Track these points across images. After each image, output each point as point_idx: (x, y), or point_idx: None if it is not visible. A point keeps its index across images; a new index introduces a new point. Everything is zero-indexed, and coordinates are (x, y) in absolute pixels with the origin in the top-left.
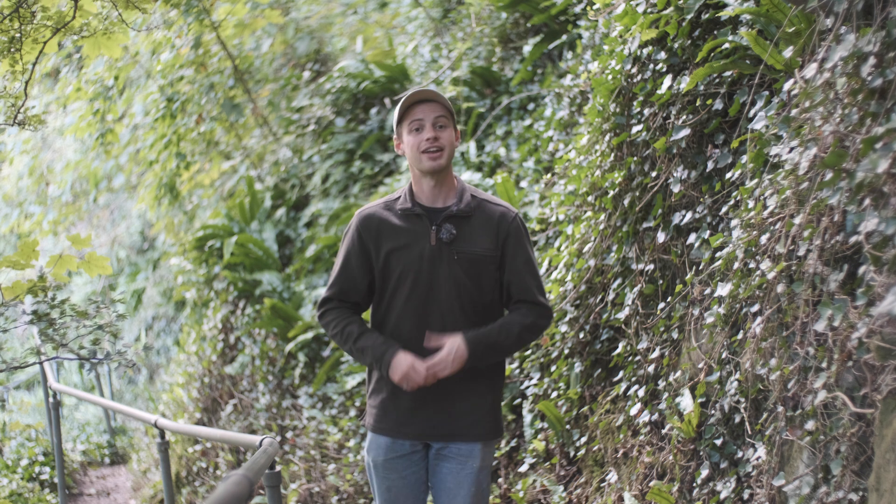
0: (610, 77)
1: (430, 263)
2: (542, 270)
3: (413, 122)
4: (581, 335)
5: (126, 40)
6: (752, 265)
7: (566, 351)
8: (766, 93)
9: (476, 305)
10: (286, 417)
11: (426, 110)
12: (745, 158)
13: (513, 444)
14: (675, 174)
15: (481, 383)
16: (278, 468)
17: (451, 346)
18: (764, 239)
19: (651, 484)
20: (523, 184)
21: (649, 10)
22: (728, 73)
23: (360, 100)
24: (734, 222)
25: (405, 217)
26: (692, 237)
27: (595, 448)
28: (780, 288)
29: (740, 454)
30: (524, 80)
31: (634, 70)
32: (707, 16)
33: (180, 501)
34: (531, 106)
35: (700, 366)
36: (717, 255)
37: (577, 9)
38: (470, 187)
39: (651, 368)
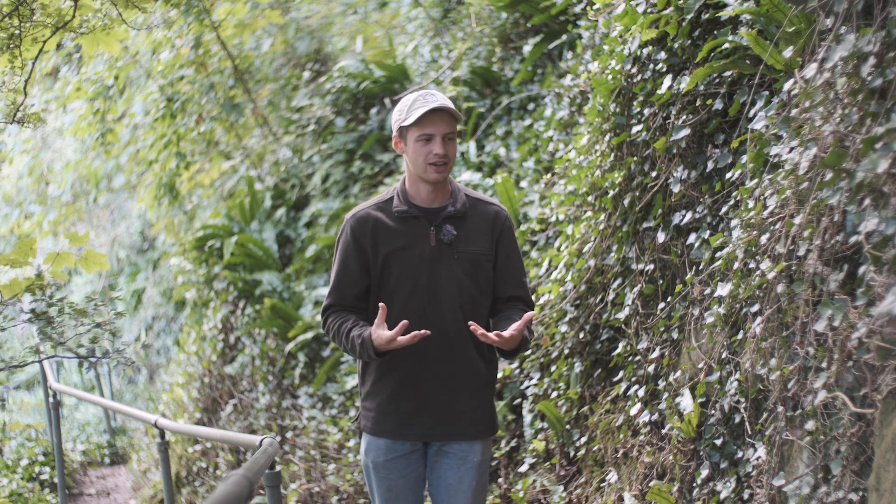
0: (610, 77)
1: (430, 265)
2: (542, 270)
3: (424, 133)
4: (581, 335)
5: (125, 37)
6: (752, 265)
7: (566, 351)
8: (766, 93)
9: (474, 304)
10: (286, 417)
11: (438, 123)
12: (745, 158)
13: (513, 444)
14: (675, 174)
15: (479, 382)
16: (278, 468)
17: (520, 331)
18: (764, 239)
19: (651, 484)
20: (523, 184)
21: (649, 10)
22: (728, 73)
23: (360, 100)
24: (734, 222)
25: (402, 219)
26: (692, 237)
27: (595, 448)
28: (780, 288)
29: (740, 454)
30: (524, 80)
31: (634, 70)
32: (707, 16)
33: (180, 501)
34: (531, 106)
35: (700, 366)
36: (717, 255)
37: (577, 9)
38: (462, 186)
39: (651, 368)
